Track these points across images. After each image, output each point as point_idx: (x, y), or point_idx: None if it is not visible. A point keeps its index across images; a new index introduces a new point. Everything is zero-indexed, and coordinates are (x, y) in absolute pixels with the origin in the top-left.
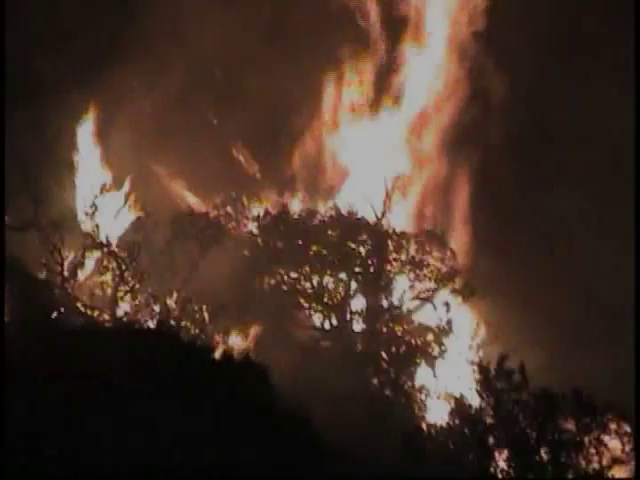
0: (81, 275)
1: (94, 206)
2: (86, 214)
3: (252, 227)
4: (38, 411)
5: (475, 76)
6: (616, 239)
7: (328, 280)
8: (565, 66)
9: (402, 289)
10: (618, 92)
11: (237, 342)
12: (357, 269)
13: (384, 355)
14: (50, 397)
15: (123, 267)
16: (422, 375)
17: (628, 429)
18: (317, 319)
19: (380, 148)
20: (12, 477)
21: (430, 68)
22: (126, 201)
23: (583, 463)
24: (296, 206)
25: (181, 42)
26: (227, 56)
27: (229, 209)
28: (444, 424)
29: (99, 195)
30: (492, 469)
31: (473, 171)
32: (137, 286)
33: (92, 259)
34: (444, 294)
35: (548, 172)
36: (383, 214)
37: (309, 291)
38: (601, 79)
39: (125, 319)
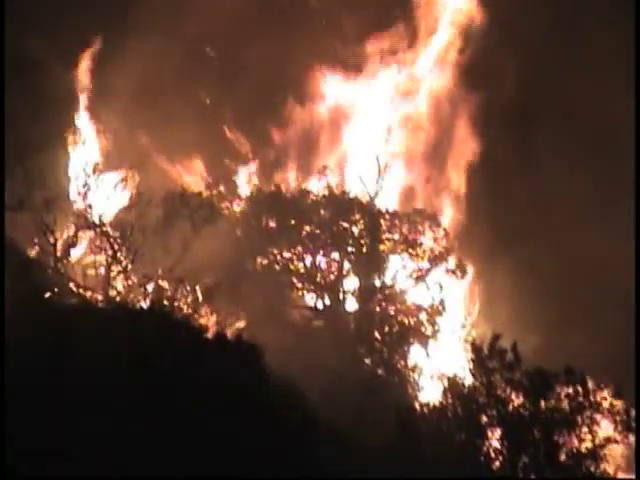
0: (74, 255)
1: (87, 186)
2: (79, 194)
3: (245, 207)
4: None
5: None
6: (611, 221)
7: (321, 260)
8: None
9: (395, 269)
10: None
11: (230, 322)
12: (350, 249)
13: (377, 335)
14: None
15: (116, 247)
16: (415, 354)
17: (621, 408)
18: (310, 299)
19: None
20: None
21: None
22: (119, 181)
23: (576, 442)
24: (289, 185)
25: (176, 22)
26: (221, 34)
27: (222, 189)
28: (437, 403)
29: (92, 175)
30: (485, 448)
31: (470, 148)
32: (130, 266)
33: (85, 239)
34: (437, 273)
35: (546, 152)
36: (376, 193)
37: (302, 271)
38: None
39: (118, 299)
